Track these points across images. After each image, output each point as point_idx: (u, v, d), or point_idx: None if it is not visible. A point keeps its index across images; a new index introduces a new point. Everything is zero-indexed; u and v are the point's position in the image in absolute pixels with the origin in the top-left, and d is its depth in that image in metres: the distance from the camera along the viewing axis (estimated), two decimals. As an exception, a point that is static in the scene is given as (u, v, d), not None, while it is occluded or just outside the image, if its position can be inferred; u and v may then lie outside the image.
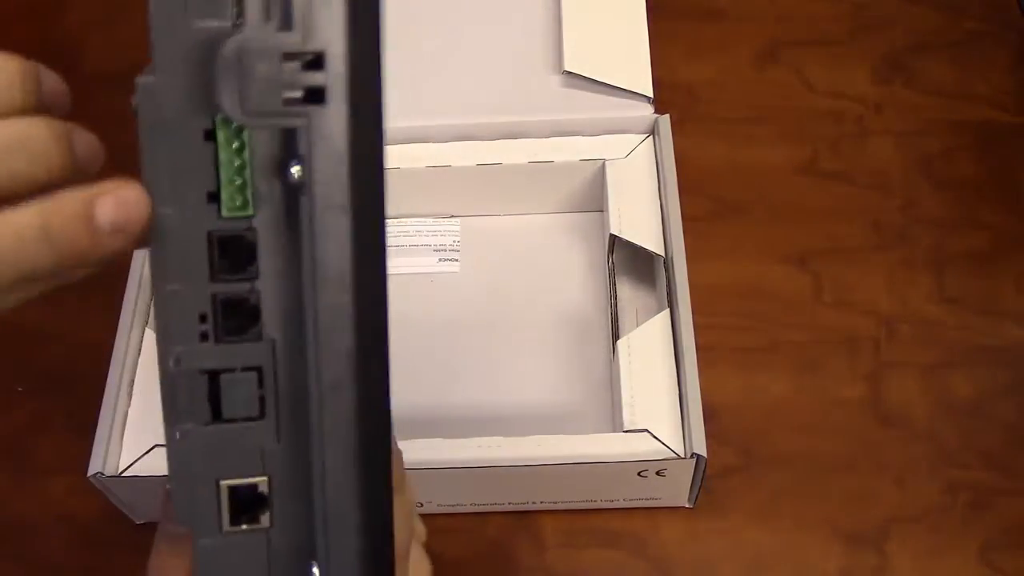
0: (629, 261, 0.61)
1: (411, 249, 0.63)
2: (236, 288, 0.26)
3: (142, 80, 0.25)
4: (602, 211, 0.61)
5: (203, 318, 0.26)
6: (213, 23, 0.24)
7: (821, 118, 0.69)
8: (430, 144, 0.60)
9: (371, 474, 0.27)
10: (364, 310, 0.26)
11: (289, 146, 0.25)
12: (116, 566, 0.55)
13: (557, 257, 0.62)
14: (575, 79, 0.60)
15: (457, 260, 0.63)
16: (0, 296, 0.25)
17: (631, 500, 0.54)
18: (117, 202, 0.24)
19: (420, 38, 0.63)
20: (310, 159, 0.25)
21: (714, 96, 0.70)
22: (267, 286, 0.26)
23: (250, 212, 0.26)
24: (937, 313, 0.61)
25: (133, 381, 0.53)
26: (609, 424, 0.56)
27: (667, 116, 0.59)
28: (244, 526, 0.28)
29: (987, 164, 0.66)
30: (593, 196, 0.62)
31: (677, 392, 0.51)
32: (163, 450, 0.45)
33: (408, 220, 0.63)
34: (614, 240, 0.58)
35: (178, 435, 0.27)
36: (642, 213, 0.57)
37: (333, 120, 0.24)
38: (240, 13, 0.24)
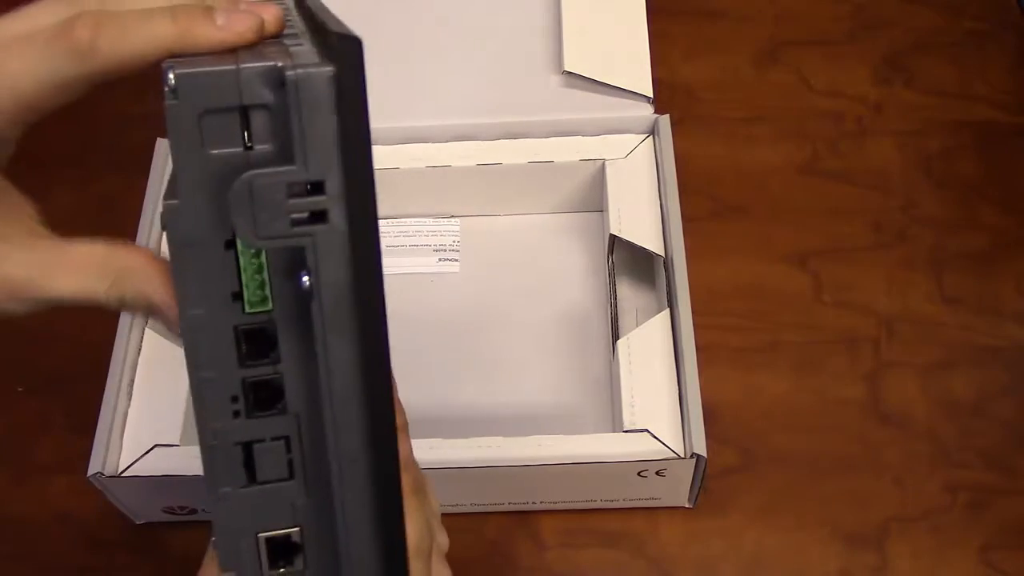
0: (629, 261, 0.61)
1: (411, 249, 0.63)
2: (261, 372, 0.30)
3: (168, 203, 0.28)
4: (602, 211, 0.61)
5: (235, 399, 0.30)
6: (227, 149, 0.28)
7: (821, 118, 0.69)
8: (430, 144, 0.60)
9: (386, 528, 0.31)
10: (372, 394, 0.29)
11: (299, 257, 0.28)
12: (116, 566, 0.55)
13: (557, 257, 0.62)
14: (575, 79, 0.60)
15: (457, 260, 0.63)
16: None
17: (631, 500, 0.54)
18: (231, 12, 0.29)
19: (420, 38, 0.63)
20: (317, 271, 0.28)
21: (714, 96, 0.70)
22: (288, 368, 0.30)
23: (269, 307, 0.29)
24: (937, 313, 0.61)
25: (133, 381, 0.53)
26: (609, 424, 0.56)
27: (667, 116, 0.59)
28: (282, 570, 0.32)
29: (987, 164, 0.66)
30: (593, 196, 0.62)
31: (677, 392, 0.51)
32: (162, 450, 0.46)
33: (408, 220, 0.63)
34: (614, 240, 0.58)
35: (220, 497, 0.31)
36: (642, 213, 0.57)
37: (335, 236, 0.28)
38: (250, 138, 0.28)
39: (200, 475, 0.50)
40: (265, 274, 0.29)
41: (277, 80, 0.27)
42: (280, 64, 0.27)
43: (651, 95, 0.59)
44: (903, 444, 0.57)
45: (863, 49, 0.72)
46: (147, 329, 0.54)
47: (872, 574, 0.53)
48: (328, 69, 0.27)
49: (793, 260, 0.63)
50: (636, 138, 0.60)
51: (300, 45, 0.29)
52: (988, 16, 0.73)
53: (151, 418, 0.52)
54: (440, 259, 0.63)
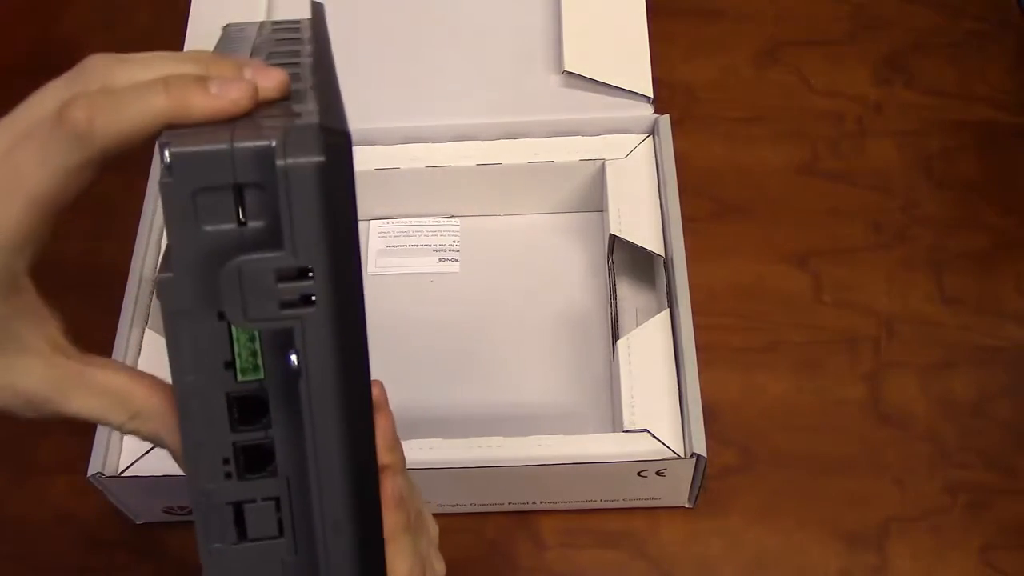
0: (629, 261, 0.61)
1: (411, 249, 0.63)
2: (253, 436, 0.31)
3: (161, 276, 0.29)
4: (602, 211, 0.61)
5: (226, 461, 0.31)
6: (221, 226, 0.28)
7: (821, 118, 0.69)
8: (430, 144, 0.60)
9: None
10: (356, 469, 0.30)
11: (288, 337, 0.29)
12: (116, 566, 0.55)
13: (557, 257, 0.62)
14: (575, 79, 0.60)
15: (457, 260, 0.63)
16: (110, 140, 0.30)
17: (631, 500, 0.54)
18: (267, 76, 0.30)
19: (421, 38, 0.63)
20: (304, 351, 0.29)
21: (714, 96, 0.70)
22: (278, 433, 0.31)
23: (261, 375, 0.30)
24: (937, 313, 0.61)
25: (133, 381, 0.53)
26: (609, 424, 0.55)
27: (667, 116, 0.59)
28: None
29: (987, 164, 0.66)
30: (593, 196, 0.62)
31: (677, 392, 0.51)
32: (162, 450, 0.46)
33: (408, 220, 0.63)
34: (614, 240, 0.58)
35: (211, 552, 0.31)
36: (642, 213, 0.57)
37: (321, 319, 0.28)
38: (243, 214, 0.28)
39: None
40: (257, 344, 0.30)
41: (270, 160, 0.27)
42: (273, 144, 0.27)
43: (651, 95, 0.59)
44: (903, 444, 0.57)
45: (863, 49, 0.72)
46: (147, 329, 0.54)
47: (872, 574, 0.53)
48: (316, 160, 0.27)
49: (793, 260, 0.63)
50: (636, 138, 0.60)
51: (304, 106, 0.30)
52: (988, 16, 0.73)
53: (151, 418, 0.51)
54: (440, 259, 0.63)
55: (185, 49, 0.61)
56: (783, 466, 0.56)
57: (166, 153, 0.27)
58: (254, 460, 0.31)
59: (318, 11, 0.38)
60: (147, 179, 0.58)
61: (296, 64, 0.34)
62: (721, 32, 0.73)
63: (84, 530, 0.56)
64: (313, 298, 0.28)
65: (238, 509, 0.31)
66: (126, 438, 0.51)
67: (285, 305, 0.28)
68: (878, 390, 0.58)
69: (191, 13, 0.63)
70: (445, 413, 0.56)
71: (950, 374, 0.59)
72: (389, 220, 0.63)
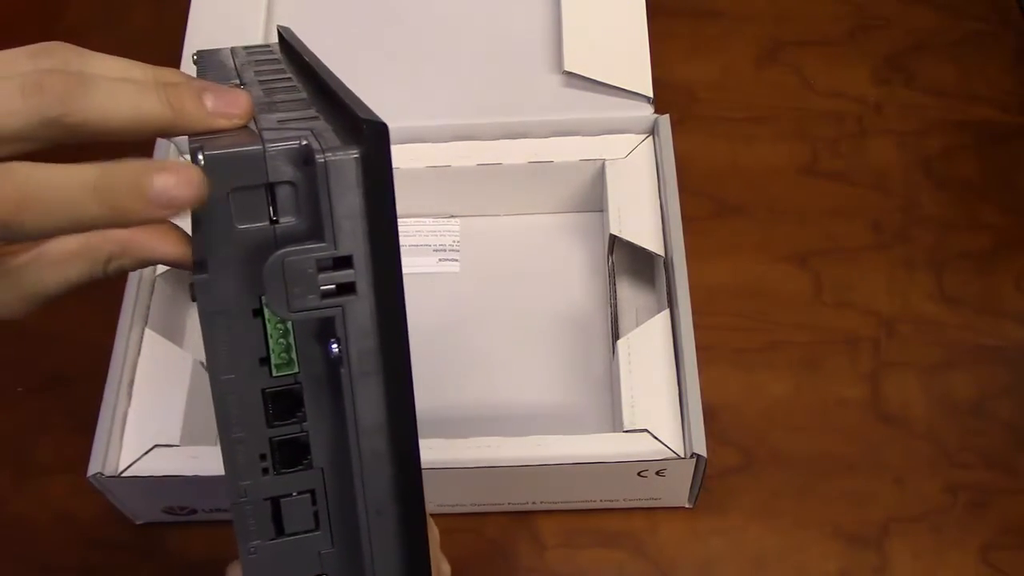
0: (629, 261, 0.61)
1: (411, 249, 0.63)
2: (288, 431, 0.31)
3: (197, 278, 0.29)
4: (602, 211, 0.61)
5: (263, 457, 0.31)
6: (255, 224, 0.29)
7: (821, 118, 0.69)
8: (430, 144, 0.60)
9: (414, 572, 0.32)
10: (399, 451, 0.31)
11: (327, 324, 0.30)
12: (116, 566, 0.55)
13: (557, 257, 0.62)
14: (575, 79, 0.60)
15: (457, 260, 0.63)
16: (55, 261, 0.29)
17: (631, 500, 0.54)
18: (172, 177, 0.27)
19: (421, 38, 0.63)
20: (345, 339, 0.30)
21: (714, 96, 0.70)
22: (313, 426, 0.32)
23: (295, 370, 0.31)
24: (937, 313, 0.61)
25: (133, 381, 0.53)
26: (609, 424, 0.55)
27: (667, 116, 0.59)
28: None
29: (987, 164, 0.66)
30: (593, 196, 0.62)
31: (677, 392, 0.51)
32: (162, 450, 0.46)
33: (408, 220, 0.63)
34: (614, 240, 0.58)
35: (250, 551, 0.32)
36: (642, 213, 0.57)
37: (362, 306, 0.29)
38: (275, 212, 0.29)
39: (199, 475, 0.50)
40: (291, 339, 0.31)
41: (300, 158, 0.28)
42: (304, 143, 0.28)
43: (651, 95, 0.59)
44: (903, 444, 0.57)
45: (863, 49, 0.72)
46: (147, 329, 0.54)
47: (872, 574, 0.53)
48: (355, 154, 0.28)
49: (793, 260, 0.63)
50: (636, 138, 0.60)
51: (315, 119, 0.30)
52: (988, 16, 0.73)
53: (151, 418, 0.52)
54: (440, 259, 0.63)
55: (185, 49, 0.61)
56: (783, 466, 0.56)
57: (200, 157, 0.28)
58: (290, 455, 0.32)
59: (289, 32, 0.39)
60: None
61: (288, 79, 0.35)
62: (721, 32, 0.73)
63: (84, 530, 0.56)
64: (355, 285, 0.29)
65: (275, 505, 0.32)
66: (126, 437, 0.51)
67: (328, 295, 0.29)
68: (878, 390, 0.58)
69: (191, 13, 0.63)
70: (445, 413, 0.56)
71: (950, 374, 0.59)
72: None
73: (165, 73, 0.29)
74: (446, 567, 0.40)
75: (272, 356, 0.31)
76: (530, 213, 0.64)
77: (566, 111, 0.60)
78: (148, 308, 0.55)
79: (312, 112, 0.31)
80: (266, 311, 0.30)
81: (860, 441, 0.57)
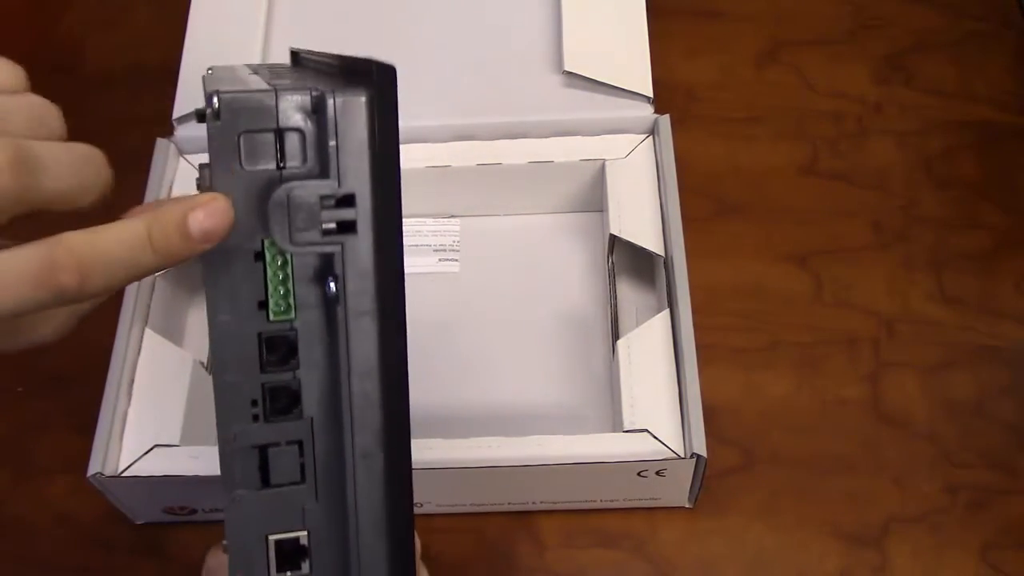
0: (629, 261, 0.61)
1: (411, 249, 0.63)
2: (281, 377, 0.32)
3: None
4: (602, 211, 0.61)
5: (254, 403, 0.32)
6: (261, 168, 0.30)
7: (821, 118, 0.69)
8: (430, 144, 0.60)
9: (397, 528, 0.33)
10: (390, 394, 0.32)
11: (326, 263, 0.31)
12: (116, 566, 0.55)
13: (557, 257, 0.62)
14: (575, 79, 0.60)
15: (457, 260, 0.63)
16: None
17: (631, 500, 0.54)
18: (207, 213, 0.29)
19: (420, 38, 0.63)
20: (344, 277, 0.30)
21: (714, 96, 0.70)
22: (306, 375, 0.32)
23: (292, 316, 0.32)
24: (937, 313, 0.61)
25: (133, 381, 0.53)
26: (609, 424, 0.55)
27: (667, 116, 0.59)
28: (288, 573, 0.33)
29: (987, 164, 0.66)
30: (593, 196, 0.62)
31: (677, 392, 0.51)
32: (162, 450, 0.46)
33: (408, 220, 0.63)
34: (614, 240, 0.58)
35: (234, 499, 0.32)
36: (642, 213, 0.57)
37: (362, 246, 0.30)
38: (283, 159, 0.30)
39: (199, 475, 0.50)
40: (290, 284, 0.31)
41: (310, 107, 0.30)
42: (315, 93, 0.30)
43: (651, 95, 0.59)
44: (903, 444, 0.57)
45: (863, 49, 0.72)
46: (147, 329, 0.54)
47: (872, 574, 0.53)
48: (364, 94, 0.29)
49: (793, 260, 0.63)
50: (636, 138, 0.60)
51: (328, 79, 0.32)
52: (988, 16, 0.73)
53: (151, 418, 0.52)
54: (440, 259, 0.63)
55: (185, 49, 0.61)
56: (783, 466, 0.56)
57: (215, 99, 0.29)
58: (281, 403, 0.32)
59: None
60: (147, 179, 0.58)
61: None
62: (721, 32, 0.73)
63: (84, 530, 0.56)
64: (355, 224, 0.30)
65: (263, 455, 0.32)
66: (126, 437, 0.51)
67: (328, 232, 0.30)
68: (878, 390, 0.58)
69: (191, 13, 0.63)
70: (445, 413, 0.56)
71: (950, 374, 0.59)
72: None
73: (159, 220, 0.30)
74: (416, 542, 0.40)
75: (270, 301, 0.31)
76: (530, 213, 0.64)
77: (566, 111, 0.60)
78: (148, 308, 0.55)
79: (324, 80, 0.32)
80: (267, 254, 0.31)
81: (860, 441, 0.57)
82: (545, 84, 0.61)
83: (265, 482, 0.32)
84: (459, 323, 0.60)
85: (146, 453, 0.50)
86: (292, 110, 0.30)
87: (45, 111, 0.31)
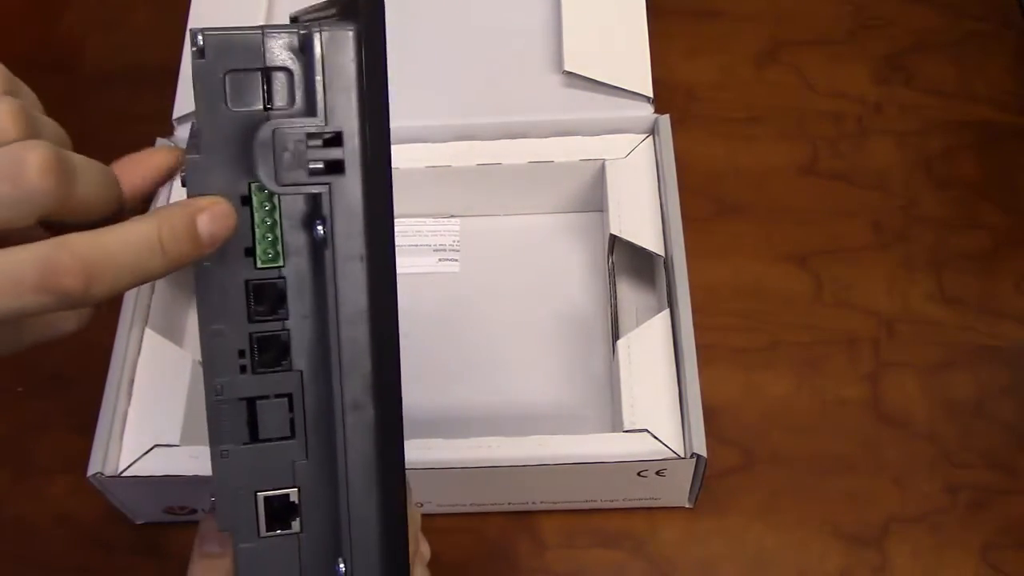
0: (629, 261, 0.61)
1: (411, 249, 0.63)
2: (269, 327, 0.31)
3: (190, 157, 0.30)
4: (602, 211, 0.61)
5: (242, 353, 0.31)
6: (248, 109, 0.29)
7: (821, 118, 0.69)
8: (430, 144, 0.60)
9: (388, 478, 0.32)
10: (379, 341, 0.31)
11: (314, 208, 0.30)
12: (116, 566, 0.55)
13: (557, 257, 0.62)
14: (575, 79, 0.60)
15: (457, 260, 0.63)
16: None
17: (631, 500, 0.54)
18: (212, 216, 0.29)
19: (420, 38, 0.63)
20: (332, 219, 0.30)
21: (714, 96, 0.70)
22: (295, 325, 0.31)
23: (280, 264, 0.31)
24: (937, 313, 0.61)
25: (133, 381, 0.53)
26: (609, 424, 0.55)
27: (667, 116, 0.59)
28: (278, 531, 0.32)
29: (987, 164, 0.66)
30: (593, 196, 0.62)
31: (677, 392, 0.51)
32: (162, 450, 0.46)
33: (408, 220, 0.63)
34: (614, 240, 0.58)
35: (222, 453, 0.31)
36: (642, 213, 0.57)
37: (350, 186, 0.30)
38: (270, 99, 0.29)
39: (199, 475, 0.50)
40: (278, 231, 0.30)
41: (298, 46, 0.29)
42: (302, 31, 0.29)
43: (651, 95, 0.59)
44: (903, 444, 0.57)
45: (863, 49, 0.72)
46: (147, 329, 0.54)
47: (872, 574, 0.53)
48: (351, 28, 0.29)
49: (793, 260, 0.63)
50: (636, 138, 0.60)
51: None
52: (988, 16, 0.73)
53: (151, 418, 0.52)
54: (440, 259, 0.63)
55: (185, 48, 0.61)
56: (783, 466, 0.56)
57: (199, 37, 0.29)
58: (269, 355, 0.31)
59: None
60: (147, 179, 0.58)
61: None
62: (721, 32, 0.73)
63: (84, 530, 0.56)
64: (343, 164, 0.29)
65: (251, 408, 0.31)
66: (126, 437, 0.51)
67: (316, 172, 0.29)
68: (878, 390, 0.58)
69: (191, 13, 0.63)
70: (445, 413, 0.56)
71: (950, 374, 0.59)
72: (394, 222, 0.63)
73: (169, 224, 0.29)
74: (425, 547, 0.39)
75: (258, 248, 0.30)
76: (530, 213, 0.64)
77: (566, 111, 0.60)
78: (148, 308, 0.55)
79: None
80: (254, 199, 0.30)
81: (860, 441, 0.57)
82: (545, 84, 0.61)
83: (254, 436, 0.32)
84: (459, 323, 0.60)
85: (146, 453, 0.50)
86: (279, 49, 0.29)
87: (63, 131, 0.31)
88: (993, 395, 0.58)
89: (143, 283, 0.29)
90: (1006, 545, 0.53)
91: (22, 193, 0.27)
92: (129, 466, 0.50)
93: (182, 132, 0.60)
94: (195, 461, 0.50)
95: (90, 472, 0.49)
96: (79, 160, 0.29)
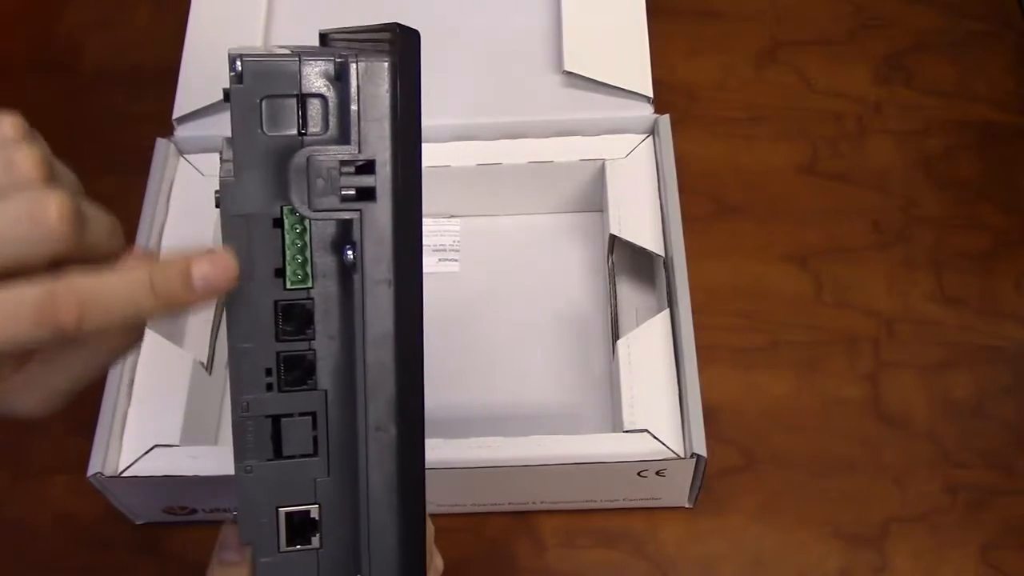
0: (629, 261, 0.61)
1: (411, 249, 0.63)
2: (296, 347, 0.32)
3: (225, 179, 0.31)
4: (602, 211, 0.61)
5: (268, 372, 0.32)
6: (283, 133, 0.30)
7: (821, 118, 0.69)
8: (430, 144, 0.60)
9: (408, 501, 0.32)
10: (404, 364, 0.31)
11: (344, 233, 0.31)
12: (116, 566, 0.55)
13: (557, 257, 0.62)
14: (575, 79, 0.60)
15: (457, 260, 0.63)
16: (106, 342, 0.31)
17: (631, 500, 0.54)
18: (211, 264, 0.30)
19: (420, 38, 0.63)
20: (361, 244, 0.30)
21: (714, 96, 0.70)
22: (321, 345, 0.32)
23: (309, 285, 0.32)
24: (937, 313, 0.61)
25: (133, 381, 0.53)
26: (609, 424, 0.55)
27: (667, 116, 0.59)
28: (298, 546, 0.33)
29: (987, 164, 0.66)
30: (593, 196, 0.62)
31: (677, 392, 0.51)
32: (162, 450, 0.46)
33: (408, 220, 0.63)
34: (614, 240, 0.58)
35: (246, 469, 0.32)
36: (642, 213, 0.57)
37: (380, 213, 0.30)
38: (304, 125, 0.30)
39: (199, 475, 0.50)
40: (307, 253, 0.31)
41: (334, 74, 0.30)
42: (338, 59, 0.30)
43: (651, 95, 0.59)
44: (903, 444, 0.57)
45: (863, 49, 0.72)
46: (147, 329, 0.54)
47: (872, 574, 0.53)
48: (387, 59, 0.30)
49: (793, 260, 0.63)
50: (636, 138, 0.60)
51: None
52: (988, 16, 0.73)
53: (151, 418, 0.52)
54: (440, 259, 0.63)
55: (185, 48, 0.61)
56: (783, 466, 0.56)
57: (237, 63, 0.29)
58: (295, 374, 0.32)
59: None
60: (147, 179, 0.58)
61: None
62: (721, 32, 0.73)
63: (84, 530, 0.56)
64: (374, 191, 0.30)
65: (276, 425, 0.32)
66: (126, 437, 0.51)
67: (347, 198, 0.30)
68: (878, 390, 0.58)
69: (191, 13, 0.63)
70: (445, 413, 0.56)
71: (950, 374, 0.59)
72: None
73: (163, 267, 0.30)
74: (439, 561, 0.40)
75: (287, 269, 0.31)
76: (530, 213, 0.64)
77: (566, 111, 0.60)
78: (148, 308, 0.55)
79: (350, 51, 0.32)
80: (286, 221, 0.31)
81: (860, 441, 0.57)
82: (545, 84, 0.61)
83: (277, 453, 0.32)
84: (459, 323, 0.60)
85: (146, 453, 0.50)
86: (315, 76, 0.30)
87: (78, 181, 0.32)
88: (993, 395, 0.58)
89: (138, 321, 0.30)
90: (1006, 545, 0.53)
91: (42, 236, 0.28)
92: (129, 466, 0.50)
93: (182, 132, 0.60)
94: (195, 461, 0.50)
95: (90, 472, 0.49)
96: (92, 210, 0.30)
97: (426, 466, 0.49)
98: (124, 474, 0.50)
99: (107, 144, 0.67)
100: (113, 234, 0.31)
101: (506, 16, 0.63)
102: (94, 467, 0.49)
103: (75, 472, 0.50)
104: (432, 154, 0.60)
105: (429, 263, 0.62)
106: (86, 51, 0.75)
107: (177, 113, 0.60)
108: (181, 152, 0.60)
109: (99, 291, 0.29)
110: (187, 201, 0.58)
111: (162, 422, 0.51)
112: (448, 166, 0.60)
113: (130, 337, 0.32)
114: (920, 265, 0.62)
